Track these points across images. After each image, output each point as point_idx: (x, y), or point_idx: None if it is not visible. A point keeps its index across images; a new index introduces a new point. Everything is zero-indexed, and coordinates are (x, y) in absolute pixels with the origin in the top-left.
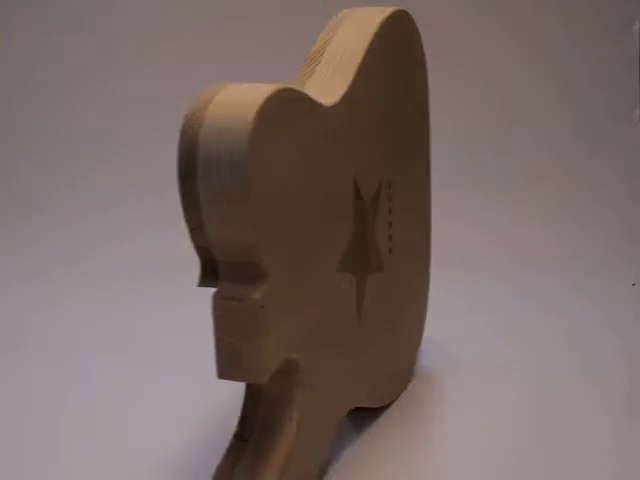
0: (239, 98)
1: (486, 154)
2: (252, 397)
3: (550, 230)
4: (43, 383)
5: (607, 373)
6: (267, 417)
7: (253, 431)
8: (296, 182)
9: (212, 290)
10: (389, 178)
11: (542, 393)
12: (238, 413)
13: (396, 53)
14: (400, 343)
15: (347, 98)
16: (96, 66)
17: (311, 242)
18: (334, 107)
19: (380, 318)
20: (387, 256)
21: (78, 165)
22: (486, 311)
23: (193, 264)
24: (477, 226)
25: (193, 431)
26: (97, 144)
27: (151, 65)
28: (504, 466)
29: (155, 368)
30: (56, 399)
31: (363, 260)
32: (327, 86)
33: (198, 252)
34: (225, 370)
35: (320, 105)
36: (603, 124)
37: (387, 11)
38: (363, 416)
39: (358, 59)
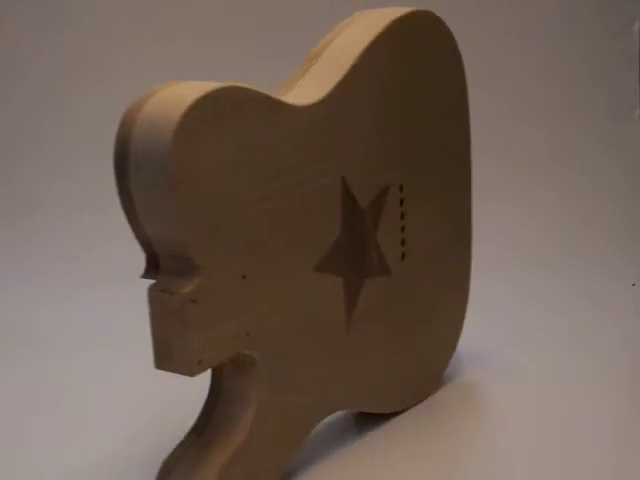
0: (175, 96)
1: (486, 154)
2: (213, 391)
3: (550, 230)
4: (43, 380)
5: (607, 373)
6: (223, 411)
7: (209, 425)
8: (242, 181)
9: None
10: (399, 181)
11: (551, 397)
12: None
13: (407, 54)
14: (418, 351)
15: (334, 98)
16: (96, 66)
17: (269, 241)
18: (313, 106)
19: (386, 324)
20: (398, 261)
21: (77, 165)
22: (486, 311)
23: None
24: (477, 226)
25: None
26: (98, 144)
27: (151, 65)
28: None
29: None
30: (55, 395)
31: (357, 262)
32: (315, 86)
33: (141, 245)
34: (160, 361)
35: (287, 105)
36: (603, 124)
37: (401, 12)
38: (370, 420)
39: (352, 59)
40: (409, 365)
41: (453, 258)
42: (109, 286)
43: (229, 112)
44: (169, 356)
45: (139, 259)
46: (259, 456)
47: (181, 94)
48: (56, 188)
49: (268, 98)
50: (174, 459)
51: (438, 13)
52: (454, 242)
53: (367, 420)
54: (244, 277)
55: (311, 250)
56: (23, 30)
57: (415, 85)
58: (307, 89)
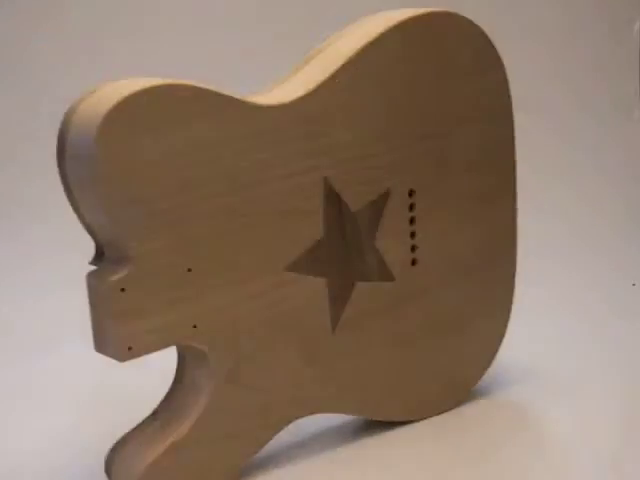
0: (114, 91)
1: None
2: (176, 379)
3: (550, 230)
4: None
5: (607, 373)
6: (179, 400)
7: (165, 411)
8: (181, 177)
9: None
10: (408, 186)
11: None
12: None
13: (422, 54)
14: (433, 362)
15: (317, 97)
16: (96, 65)
17: (226, 238)
18: (286, 106)
19: (388, 330)
20: (406, 267)
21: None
22: None
23: None
24: None
25: None
26: None
27: (150, 64)
28: None
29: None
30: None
31: (346, 265)
32: (301, 84)
33: (88, 233)
34: (98, 345)
35: (248, 104)
36: (603, 124)
37: (416, 12)
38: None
39: (348, 56)
40: (420, 375)
41: (487, 270)
42: None
43: (160, 110)
44: (103, 341)
45: None
46: (206, 449)
47: (113, 92)
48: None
49: (216, 96)
50: (124, 439)
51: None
52: (488, 253)
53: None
54: (190, 270)
55: (281, 249)
56: (23, 29)
57: (433, 87)
58: (292, 87)
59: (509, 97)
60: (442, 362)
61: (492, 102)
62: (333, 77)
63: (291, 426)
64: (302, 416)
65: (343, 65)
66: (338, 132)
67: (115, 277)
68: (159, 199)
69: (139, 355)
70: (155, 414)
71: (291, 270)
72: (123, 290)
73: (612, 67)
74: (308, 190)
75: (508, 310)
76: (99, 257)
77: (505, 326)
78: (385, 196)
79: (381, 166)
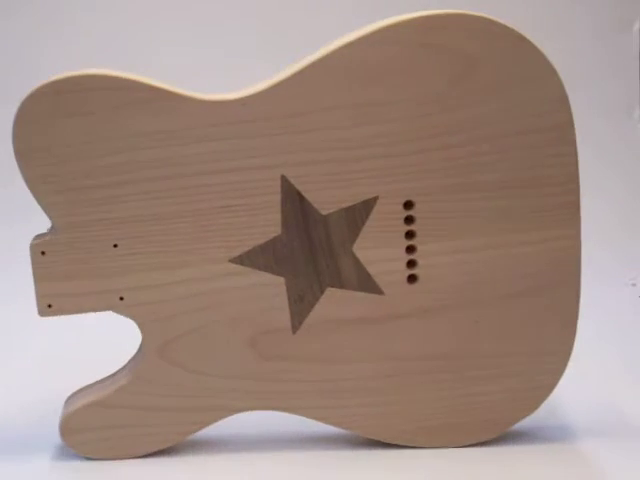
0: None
1: None
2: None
3: None
4: None
5: (606, 373)
6: (128, 363)
7: (119, 370)
8: (105, 162)
9: None
10: (404, 197)
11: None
12: None
13: (414, 61)
14: (429, 390)
15: (276, 93)
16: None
17: (161, 221)
18: (236, 101)
19: (372, 345)
20: (400, 283)
21: None
22: None
23: None
24: None
25: None
26: None
27: (150, 64)
28: None
29: None
30: None
31: (312, 268)
32: (265, 83)
33: None
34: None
35: (189, 99)
36: (603, 124)
37: (413, 15)
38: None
39: (327, 51)
40: (408, 401)
41: (527, 303)
42: None
43: (80, 98)
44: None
45: None
46: (124, 415)
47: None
48: None
49: (158, 91)
50: (84, 387)
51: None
52: (528, 283)
53: None
54: (115, 246)
55: (225, 241)
56: (21, 29)
57: (425, 95)
58: (260, 85)
59: (560, 114)
60: (448, 393)
61: (530, 117)
62: (296, 75)
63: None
64: (255, 409)
65: (310, 64)
66: (300, 133)
67: (36, 241)
68: (79, 178)
69: (60, 314)
70: (114, 373)
71: (237, 263)
72: (43, 253)
73: (612, 67)
74: (262, 187)
75: (567, 347)
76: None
77: (561, 371)
78: (367, 204)
79: (358, 173)
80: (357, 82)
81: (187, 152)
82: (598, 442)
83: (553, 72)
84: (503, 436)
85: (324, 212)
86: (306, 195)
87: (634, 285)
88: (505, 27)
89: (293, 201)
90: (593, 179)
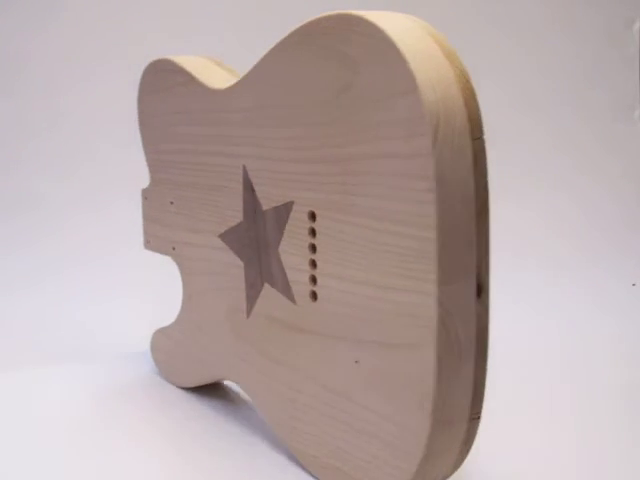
0: None
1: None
2: None
3: (549, 230)
4: None
5: (606, 373)
6: None
7: None
8: (171, 132)
9: None
10: (309, 207)
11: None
12: None
13: (309, 66)
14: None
15: (241, 86)
16: (95, 65)
17: (191, 189)
18: (220, 91)
19: (285, 350)
20: (305, 298)
21: (75, 164)
22: None
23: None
24: None
25: None
26: (96, 143)
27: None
28: None
29: None
30: None
31: (257, 259)
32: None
33: None
34: None
35: (203, 85)
36: (603, 124)
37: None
38: None
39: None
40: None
41: (403, 359)
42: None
43: (163, 79)
44: None
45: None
46: (181, 343)
47: None
48: (55, 185)
49: (186, 74)
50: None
51: (442, 13)
52: (404, 337)
53: None
54: (171, 203)
55: (216, 217)
56: (21, 29)
57: (336, 104)
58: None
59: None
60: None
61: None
62: (252, 71)
63: None
64: (234, 381)
65: (261, 60)
66: (260, 127)
67: (144, 188)
68: (161, 144)
69: (154, 251)
70: None
71: (222, 239)
72: (146, 199)
73: (612, 67)
74: (230, 173)
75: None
76: None
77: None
78: (287, 207)
79: (284, 175)
80: (277, 84)
81: (197, 132)
82: None
83: (415, 88)
84: None
85: (264, 208)
86: (256, 188)
87: (634, 285)
88: (379, 30)
89: (249, 192)
90: (593, 179)
